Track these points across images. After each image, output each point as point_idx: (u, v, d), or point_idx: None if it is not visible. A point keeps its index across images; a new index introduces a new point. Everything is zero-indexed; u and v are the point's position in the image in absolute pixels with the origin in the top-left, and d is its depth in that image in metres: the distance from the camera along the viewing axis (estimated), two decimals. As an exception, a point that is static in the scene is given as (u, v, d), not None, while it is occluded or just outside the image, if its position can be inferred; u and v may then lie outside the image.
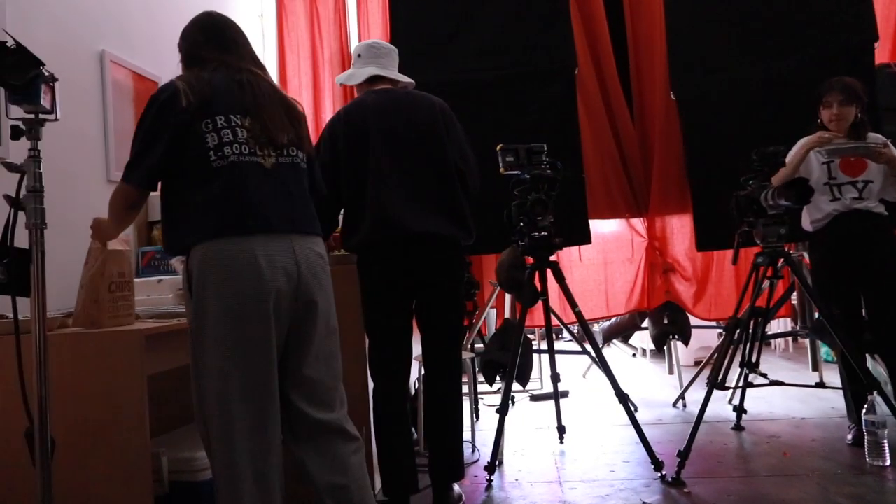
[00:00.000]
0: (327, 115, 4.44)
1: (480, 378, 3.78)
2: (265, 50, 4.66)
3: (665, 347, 4.52)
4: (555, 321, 3.48)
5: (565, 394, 4.40)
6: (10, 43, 1.51)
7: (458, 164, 2.44)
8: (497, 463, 2.85)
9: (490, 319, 4.88)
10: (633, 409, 3.01)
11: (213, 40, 1.86)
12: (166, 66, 3.30)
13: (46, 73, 1.58)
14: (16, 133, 1.59)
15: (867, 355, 3.05)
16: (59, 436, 1.66)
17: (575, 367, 5.23)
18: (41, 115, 1.60)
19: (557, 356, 3.24)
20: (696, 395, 3.85)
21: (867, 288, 2.94)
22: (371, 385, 2.48)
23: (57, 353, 1.79)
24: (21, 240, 1.59)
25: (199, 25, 1.90)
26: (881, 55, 3.67)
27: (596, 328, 5.02)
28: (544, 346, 3.45)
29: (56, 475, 1.61)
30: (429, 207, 2.35)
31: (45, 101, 1.58)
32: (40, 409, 1.57)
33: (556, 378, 3.18)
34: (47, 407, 1.58)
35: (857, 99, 2.96)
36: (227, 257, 1.64)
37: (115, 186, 1.74)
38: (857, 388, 2.88)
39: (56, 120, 1.64)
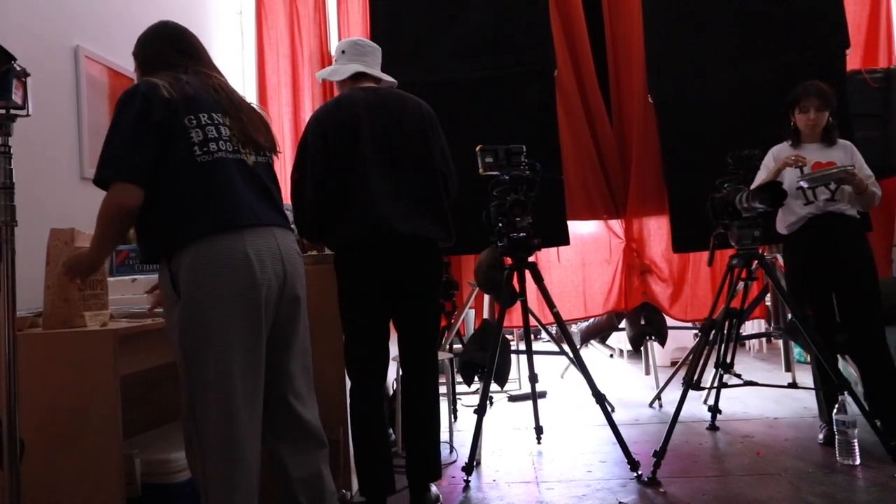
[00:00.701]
0: (306, 114, 4.41)
1: (458, 378, 3.78)
2: (244, 47, 4.62)
3: (642, 348, 4.56)
4: (533, 322, 3.49)
5: (543, 394, 4.42)
6: (-20, 37, 1.48)
7: (441, 168, 2.45)
8: (475, 463, 2.85)
9: (468, 320, 4.88)
10: (609, 409, 3.03)
11: (176, 47, 1.84)
12: (142, 63, 3.26)
13: (18, 68, 1.56)
14: (-14, 129, 1.57)
15: (838, 356, 3.11)
16: (29, 437, 1.63)
17: (553, 368, 5.26)
18: (12, 111, 1.58)
19: (535, 357, 3.26)
20: (672, 395, 3.89)
21: (840, 290, 2.98)
22: (348, 385, 2.47)
23: (27, 353, 1.76)
24: (-9, 237, 1.56)
25: (160, 34, 1.87)
26: (852, 62, 3.75)
27: (574, 329, 5.05)
28: (522, 346, 3.46)
29: (25, 477, 1.59)
30: (414, 209, 2.35)
31: (16, 97, 1.56)
32: (9, 410, 1.54)
33: (533, 378, 3.19)
34: (17, 408, 1.55)
35: (831, 105, 3.02)
36: (219, 256, 1.63)
37: (108, 195, 1.62)
38: (828, 388, 2.93)
39: (28, 115, 1.61)
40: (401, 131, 2.38)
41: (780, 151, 3.07)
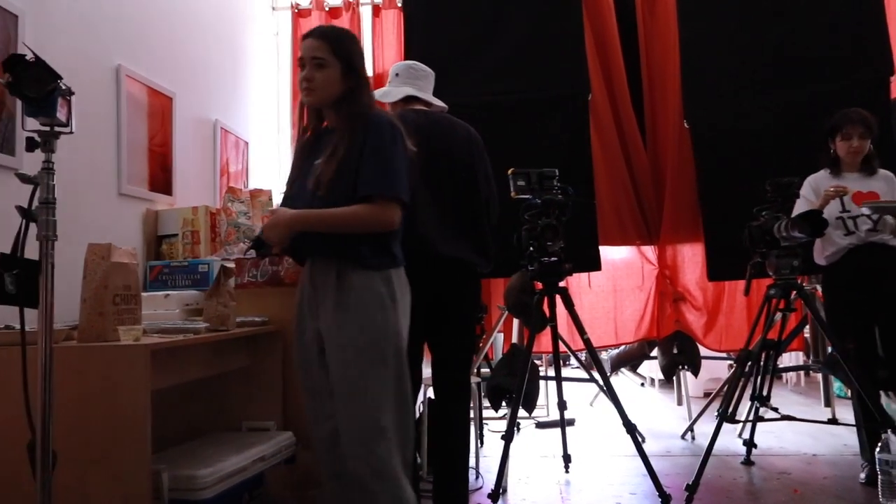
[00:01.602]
0: (340, 134, 4.45)
1: (486, 403, 3.74)
2: (279, 69, 4.71)
3: (674, 377, 4.46)
4: (563, 348, 3.44)
5: (571, 422, 4.34)
6: (28, 56, 1.52)
7: (485, 194, 2.45)
8: (501, 491, 2.79)
9: (497, 344, 4.84)
10: (640, 439, 2.96)
11: None
12: (181, 82, 3.33)
13: (63, 87, 1.59)
14: (31, 145, 1.60)
15: (881, 392, 3.00)
16: (60, 449, 1.64)
17: (582, 395, 5.17)
18: (56, 128, 1.61)
19: (564, 383, 3.20)
20: (705, 427, 3.78)
21: (882, 323, 2.89)
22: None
23: (62, 365, 1.77)
24: (31, 251, 1.59)
25: None
26: (896, 89, 3.66)
27: (604, 356, 4.97)
28: (551, 372, 3.41)
29: (56, 489, 1.59)
30: (457, 233, 2.36)
31: (60, 114, 1.59)
32: (43, 421, 1.55)
33: (562, 405, 3.14)
34: (50, 420, 1.56)
35: (873, 133, 2.95)
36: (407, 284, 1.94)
37: (387, 209, 1.79)
38: (871, 425, 2.82)
39: (71, 133, 1.65)
40: (448, 155, 2.40)
41: (817, 181, 3.00)
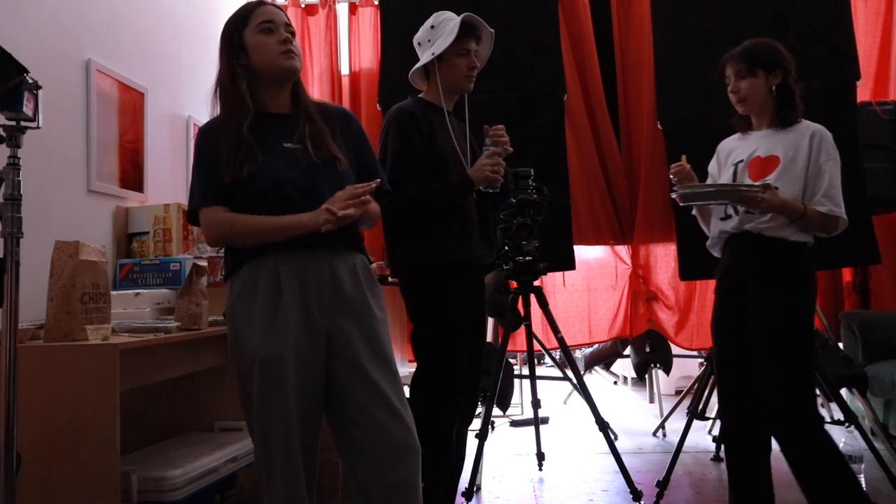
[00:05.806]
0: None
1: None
2: (255, 65, 4.65)
3: (646, 376, 4.52)
4: (537, 346, 3.46)
5: (545, 420, 4.36)
6: (-7, 49, 1.49)
7: None
8: (475, 489, 2.81)
9: (472, 342, 4.85)
10: (612, 437, 2.99)
11: None
12: (153, 77, 3.28)
13: (30, 80, 1.56)
14: (-4, 140, 1.57)
15: (845, 389, 3.06)
16: (25, 451, 1.61)
17: (556, 394, 5.21)
18: (23, 123, 1.58)
19: (538, 382, 3.22)
20: (676, 424, 3.83)
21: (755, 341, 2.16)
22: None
23: (27, 365, 1.74)
24: (-4, 248, 1.56)
25: None
26: (863, 94, 3.74)
27: (578, 354, 5.01)
28: (526, 370, 3.43)
29: (20, 491, 1.57)
30: None
31: (27, 109, 1.56)
32: (8, 422, 1.52)
33: (536, 404, 3.16)
34: (15, 420, 1.53)
35: (767, 65, 2.15)
36: None
37: None
38: None
39: (38, 128, 1.61)
40: None
41: (723, 147, 2.41)
